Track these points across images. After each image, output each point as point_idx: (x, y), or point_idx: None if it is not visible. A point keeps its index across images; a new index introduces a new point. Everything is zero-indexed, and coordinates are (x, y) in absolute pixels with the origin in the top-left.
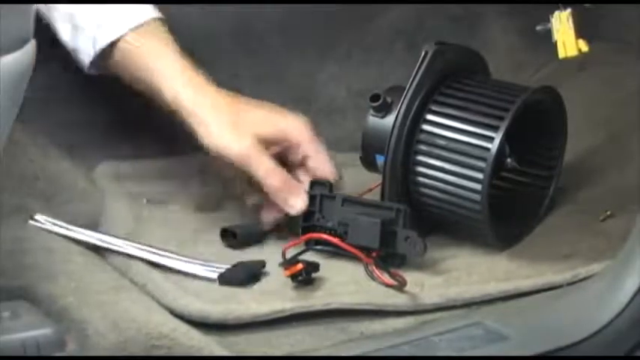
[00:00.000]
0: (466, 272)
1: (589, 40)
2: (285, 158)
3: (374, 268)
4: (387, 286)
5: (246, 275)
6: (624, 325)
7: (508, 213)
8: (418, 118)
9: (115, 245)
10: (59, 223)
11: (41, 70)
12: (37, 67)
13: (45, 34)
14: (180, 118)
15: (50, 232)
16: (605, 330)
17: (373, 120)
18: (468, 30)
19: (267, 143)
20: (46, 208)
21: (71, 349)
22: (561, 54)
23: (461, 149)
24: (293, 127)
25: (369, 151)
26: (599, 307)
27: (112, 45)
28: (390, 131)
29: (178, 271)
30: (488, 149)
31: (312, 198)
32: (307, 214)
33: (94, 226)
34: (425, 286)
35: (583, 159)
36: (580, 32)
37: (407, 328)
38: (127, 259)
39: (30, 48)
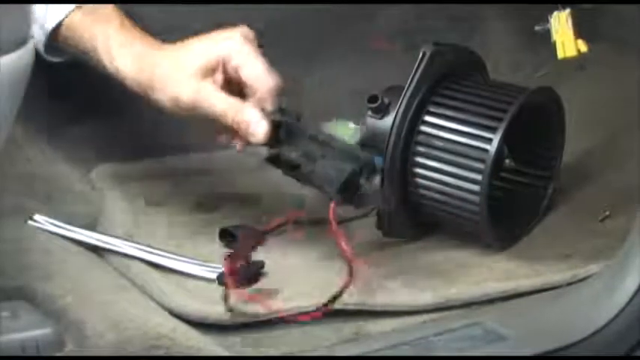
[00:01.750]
0: (465, 272)
1: (588, 41)
2: (232, 80)
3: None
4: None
5: (245, 275)
6: (623, 325)
7: (507, 213)
8: (416, 120)
9: (114, 245)
10: (58, 223)
11: (40, 70)
12: (36, 68)
13: None
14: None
15: (49, 232)
16: (604, 330)
17: (371, 121)
18: (467, 30)
19: (210, 71)
20: (44, 208)
21: (70, 349)
22: (560, 54)
23: (459, 151)
24: (226, 45)
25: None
26: (598, 307)
27: (61, 25)
28: (388, 133)
29: (177, 272)
30: (486, 151)
31: (278, 125)
32: (273, 142)
33: (92, 227)
34: (424, 287)
35: (582, 159)
36: (579, 32)
37: (406, 328)
38: (126, 259)
39: (29, 48)
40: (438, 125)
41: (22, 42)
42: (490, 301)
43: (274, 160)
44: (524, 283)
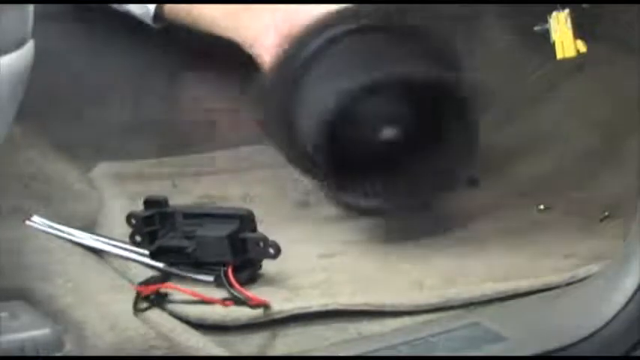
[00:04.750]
0: (464, 273)
1: (587, 41)
2: None
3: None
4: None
5: (244, 277)
6: (623, 325)
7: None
8: None
9: (113, 246)
10: (57, 225)
11: (39, 70)
12: (35, 67)
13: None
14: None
15: (48, 233)
16: (603, 330)
17: None
18: (466, 30)
19: None
20: (44, 208)
21: (69, 350)
22: (559, 54)
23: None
24: None
25: None
26: (597, 308)
27: None
28: None
29: (176, 273)
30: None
31: (149, 218)
32: (151, 235)
33: (91, 227)
34: (423, 287)
35: (581, 160)
36: (578, 33)
37: (405, 328)
38: (125, 259)
39: (28, 48)
40: None
41: (22, 42)
42: (489, 301)
43: (158, 254)
44: (524, 284)
